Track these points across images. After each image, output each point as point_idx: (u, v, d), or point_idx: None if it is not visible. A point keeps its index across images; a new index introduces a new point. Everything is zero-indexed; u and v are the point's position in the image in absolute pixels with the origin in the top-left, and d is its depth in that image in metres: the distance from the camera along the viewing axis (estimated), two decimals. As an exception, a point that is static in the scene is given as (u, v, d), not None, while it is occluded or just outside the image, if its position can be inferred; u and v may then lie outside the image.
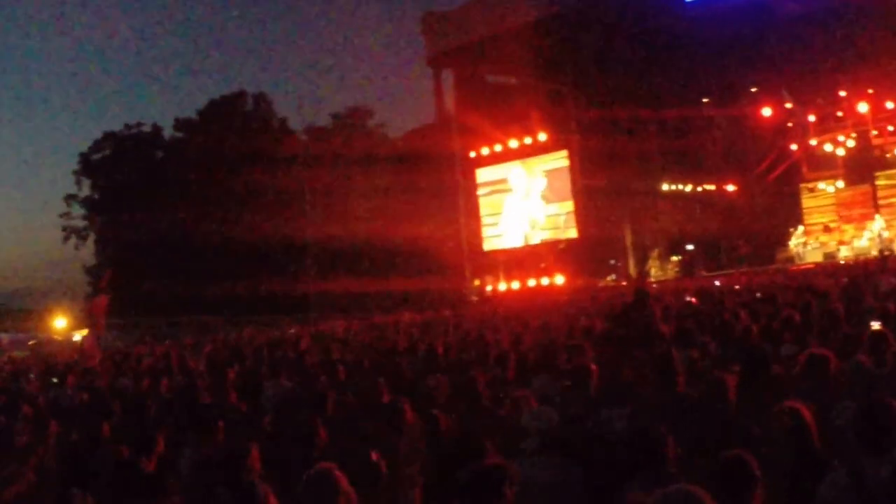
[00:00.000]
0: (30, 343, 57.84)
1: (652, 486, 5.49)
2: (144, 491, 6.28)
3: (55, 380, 17.95)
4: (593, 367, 9.26)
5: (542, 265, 41.30)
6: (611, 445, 7.01)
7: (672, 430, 6.04)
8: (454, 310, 35.76)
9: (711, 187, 46.55)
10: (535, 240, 42.61)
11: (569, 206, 41.24)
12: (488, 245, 44.85)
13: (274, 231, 58.51)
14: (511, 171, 43.61)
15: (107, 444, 8.43)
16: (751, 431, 6.45)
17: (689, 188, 46.10)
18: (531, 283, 41.24)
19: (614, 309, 16.83)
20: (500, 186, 44.38)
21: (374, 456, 5.97)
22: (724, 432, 6.62)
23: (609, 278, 43.60)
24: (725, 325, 12.50)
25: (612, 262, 45.07)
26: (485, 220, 45.21)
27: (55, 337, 62.32)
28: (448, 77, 47.66)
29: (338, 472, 5.26)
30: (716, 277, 35.98)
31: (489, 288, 44.43)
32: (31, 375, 21.05)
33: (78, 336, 61.81)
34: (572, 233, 41.08)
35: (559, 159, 41.58)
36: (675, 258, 45.09)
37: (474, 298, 44.58)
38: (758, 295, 20.11)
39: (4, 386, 17.60)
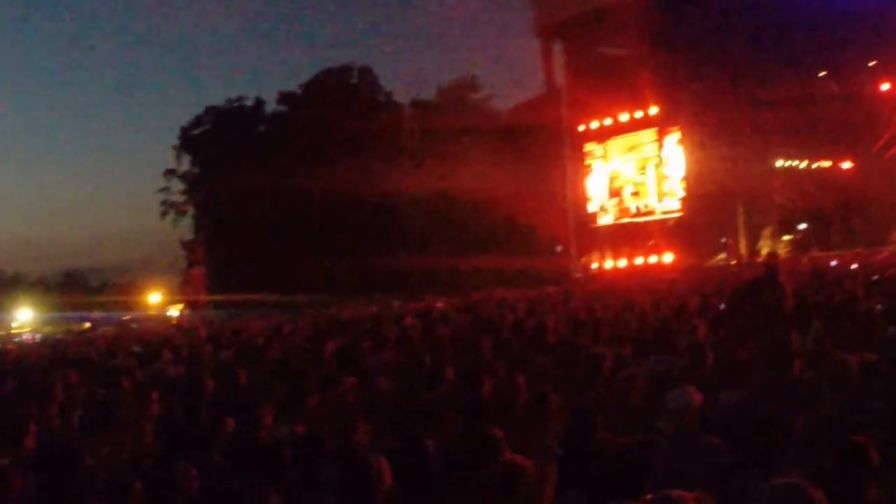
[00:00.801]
0: (124, 318, 59.21)
1: (768, 472, 5.34)
2: (255, 463, 6.27)
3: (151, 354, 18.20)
4: (709, 347, 9.05)
5: (651, 242, 40.75)
6: (725, 428, 6.83)
7: (789, 414, 5.85)
8: (559, 287, 35.46)
9: (826, 164, 45.23)
10: (644, 217, 42.07)
11: (680, 182, 40.62)
12: (594, 221, 44.43)
13: (377, 207, 58.65)
14: (621, 145, 43.10)
15: (208, 416, 8.46)
16: (873, 416, 6.22)
17: (803, 165, 44.89)
18: (638, 260, 40.73)
19: (741, 286, 16.43)
20: (609, 161, 43.90)
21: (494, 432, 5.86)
22: (844, 417, 6.40)
23: (719, 257, 42.74)
24: (844, 307, 12.13)
25: (723, 240, 44.14)
26: (592, 195, 44.79)
27: (150, 312, 63.75)
28: (558, 49, 47.21)
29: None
30: (831, 257, 34.98)
31: (595, 265, 44.00)
32: (134, 349, 21.40)
33: (173, 311, 63.29)
34: (682, 210, 40.45)
35: (671, 134, 40.94)
36: (787, 237, 43.96)
37: (579, 276, 44.22)
38: (875, 277, 19.49)
39: (102, 361, 17.95)
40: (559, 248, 48.92)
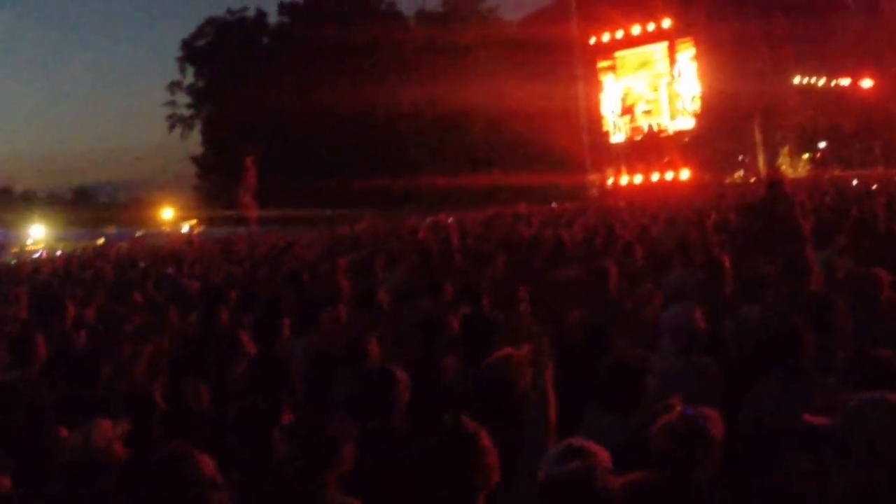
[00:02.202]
0: (137, 234, 59.26)
1: (788, 384, 5.23)
2: (270, 379, 6.18)
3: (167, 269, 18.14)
4: (727, 262, 8.88)
5: (667, 159, 40.42)
6: (747, 342, 6.72)
7: (809, 328, 5.71)
8: (574, 203, 35.31)
9: (846, 82, 44.61)
10: (659, 131, 41.68)
11: (693, 100, 40.13)
12: (608, 137, 44.05)
13: (384, 121, 58.06)
14: (632, 61, 42.54)
15: (224, 330, 8.39)
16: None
17: (821, 82, 44.30)
18: (654, 177, 40.46)
19: (748, 202, 16.22)
20: (620, 77, 43.38)
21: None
22: (872, 331, 6.25)
23: (737, 174, 42.47)
24: (864, 224, 11.90)
25: (741, 157, 43.82)
26: (604, 112, 44.34)
27: (163, 228, 63.77)
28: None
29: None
30: (851, 176, 34.68)
31: (610, 181, 43.74)
32: (141, 265, 21.35)
33: (185, 227, 63.29)
34: (696, 128, 40.03)
35: (683, 49, 40.33)
36: (806, 155, 43.59)
37: (594, 192, 44.01)
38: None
39: (116, 276, 17.93)
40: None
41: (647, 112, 42.43)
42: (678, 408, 4.03)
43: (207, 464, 3.85)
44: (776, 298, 7.80)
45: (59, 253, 43.62)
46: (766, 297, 7.84)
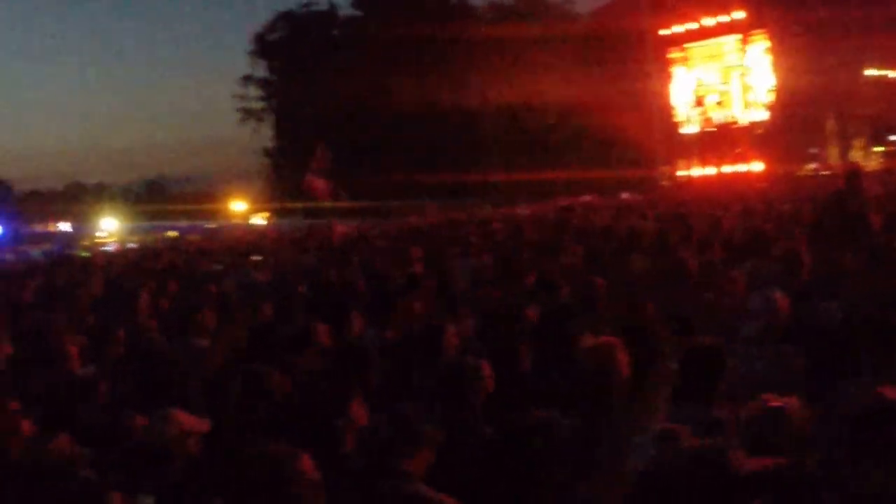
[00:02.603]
0: (209, 227, 59.82)
1: (877, 378, 5.14)
2: (345, 369, 6.16)
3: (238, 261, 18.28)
4: (805, 254, 8.76)
5: (738, 150, 39.97)
6: (831, 334, 6.60)
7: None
8: (648, 194, 35.06)
9: (921, 74, 43.67)
10: (731, 123, 41.24)
11: (769, 89, 39.64)
12: (680, 128, 43.69)
13: (455, 115, 58.01)
14: (704, 52, 42.14)
15: (299, 322, 8.41)
16: None
17: (894, 74, 43.39)
18: (726, 168, 40.02)
19: (823, 195, 15.99)
20: (692, 68, 43.00)
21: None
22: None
23: (809, 167, 41.77)
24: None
25: (813, 150, 43.09)
26: (675, 103, 43.99)
27: (235, 220, 64.31)
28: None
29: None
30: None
31: (681, 173, 43.37)
32: (221, 257, 21.57)
33: (257, 219, 63.77)
34: (769, 120, 39.53)
35: (755, 41, 39.86)
36: (879, 149, 42.73)
37: (666, 183, 43.68)
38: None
39: (189, 269, 18.13)
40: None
41: (719, 103, 42.05)
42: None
43: (308, 464, 3.75)
44: (857, 291, 7.68)
45: (130, 246, 44.36)
46: (844, 291, 7.72)
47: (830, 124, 42.92)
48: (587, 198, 34.60)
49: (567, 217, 20.92)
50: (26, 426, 5.10)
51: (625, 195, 35.95)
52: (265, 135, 72.74)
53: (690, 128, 43.14)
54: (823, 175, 35.99)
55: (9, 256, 40.10)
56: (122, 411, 5.45)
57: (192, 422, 5.00)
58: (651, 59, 45.36)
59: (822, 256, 9.06)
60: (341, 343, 6.89)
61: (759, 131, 39.71)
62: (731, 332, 6.40)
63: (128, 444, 5.02)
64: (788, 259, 8.78)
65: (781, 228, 11.76)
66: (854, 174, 12.17)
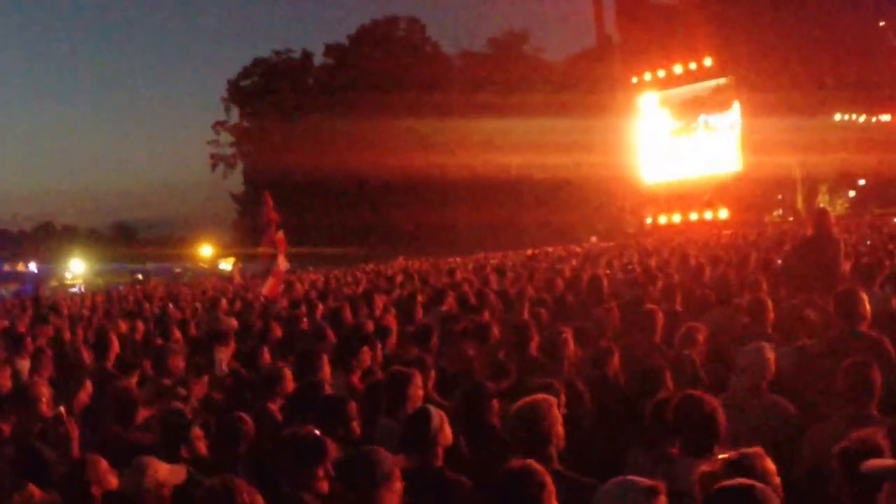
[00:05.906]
0: (176, 271, 59.60)
1: (852, 425, 5.15)
2: (314, 414, 6.17)
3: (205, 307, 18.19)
4: (769, 302, 8.81)
5: (705, 198, 40.31)
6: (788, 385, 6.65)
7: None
8: (612, 242, 35.23)
9: (887, 118, 44.34)
10: (697, 172, 41.59)
11: (735, 136, 40.07)
12: (648, 177, 44.01)
13: (424, 162, 58.33)
14: (676, 97, 42.59)
15: (266, 367, 8.48)
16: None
17: (862, 119, 44.03)
18: (693, 216, 40.31)
19: (792, 242, 16.10)
20: (663, 113, 43.43)
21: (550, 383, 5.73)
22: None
23: (776, 213, 42.24)
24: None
25: (780, 196, 43.58)
26: (644, 150, 44.36)
27: (201, 265, 64.12)
28: (609, -1, 46.84)
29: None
30: (892, 214, 34.38)
31: (649, 220, 43.63)
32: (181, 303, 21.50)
33: (225, 265, 63.57)
34: (737, 164, 39.92)
35: (725, 86, 40.35)
36: (851, 193, 43.29)
37: (631, 230, 43.92)
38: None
39: (156, 313, 18.08)
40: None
41: (689, 150, 42.35)
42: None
43: (252, 494, 3.92)
44: (822, 338, 7.72)
45: (91, 289, 44.02)
46: (807, 338, 7.77)
47: (798, 169, 43.43)
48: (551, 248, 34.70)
49: (533, 266, 21.01)
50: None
51: (593, 239, 36.05)
52: (235, 180, 73.16)
53: (659, 175, 43.44)
54: (790, 221, 36.35)
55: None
56: (90, 458, 5.39)
57: (167, 471, 4.95)
58: (622, 105, 45.78)
59: (787, 304, 9.14)
60: (309, 390, 6.86)
61: (727, 177, 40.05)
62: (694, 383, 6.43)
63: (103, 493, 4.96)
64: (754, 309, 8.81)
65: (747, 277, 11.80)
66: (823, 221, 12.24)
